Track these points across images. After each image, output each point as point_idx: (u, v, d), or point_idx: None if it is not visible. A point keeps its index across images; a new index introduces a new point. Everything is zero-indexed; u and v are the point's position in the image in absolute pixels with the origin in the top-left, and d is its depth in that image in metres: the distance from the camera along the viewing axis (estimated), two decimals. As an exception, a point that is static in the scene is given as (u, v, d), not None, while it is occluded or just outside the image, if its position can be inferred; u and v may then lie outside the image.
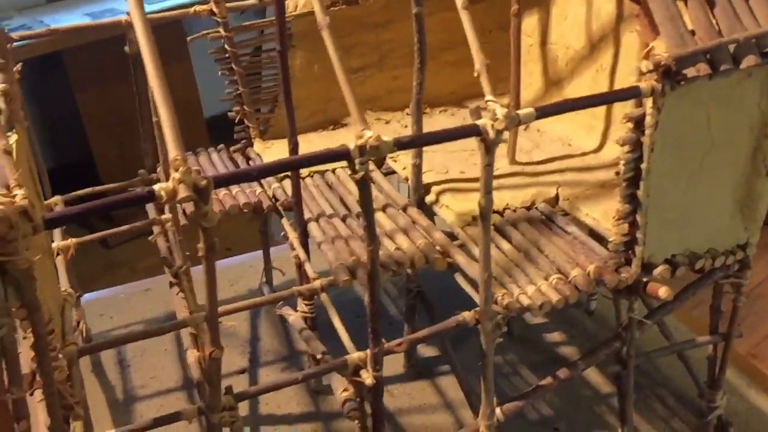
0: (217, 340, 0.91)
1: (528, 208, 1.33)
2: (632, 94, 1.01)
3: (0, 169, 0.79)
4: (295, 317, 1.40)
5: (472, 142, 1.58)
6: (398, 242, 1.26)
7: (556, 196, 1.34)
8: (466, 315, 1.08)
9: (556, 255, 1.18)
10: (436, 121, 1.72)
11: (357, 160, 0.88)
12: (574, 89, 1.53)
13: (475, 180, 1.42)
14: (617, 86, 1.41)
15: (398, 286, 1.81)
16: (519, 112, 0.95)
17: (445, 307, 1.23)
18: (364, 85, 1.72)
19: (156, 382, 1.57)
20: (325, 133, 1.69)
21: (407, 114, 1.75)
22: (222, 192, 1.45)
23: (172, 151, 0.82)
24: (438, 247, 1.24)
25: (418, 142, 0.92)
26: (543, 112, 0.96)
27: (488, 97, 0.98)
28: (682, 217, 1.14)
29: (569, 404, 1.43)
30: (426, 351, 1.62)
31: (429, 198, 1.39)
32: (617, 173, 1.10)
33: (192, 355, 1.34)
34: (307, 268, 1.28)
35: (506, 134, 0.96)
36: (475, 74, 1.02)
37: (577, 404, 1.44)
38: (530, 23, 1.62)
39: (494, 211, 1.32)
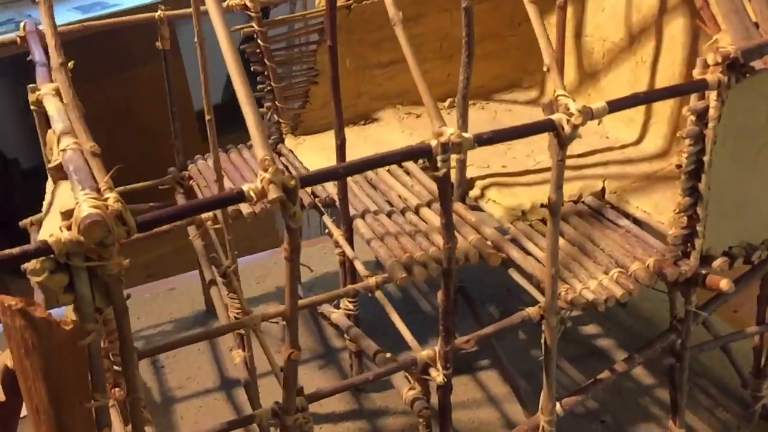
0: (296, 342, 0.90)
1: (575, 202, 1.32)
2: (700, 86, 1.01)
3: (86, 171, 0.77)
4: (338, 315, 1.39)
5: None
6: (449, 238, 1.25)
7: (603, 189, 1.33)
8: (531, 311, 1.08)
9: (612, 248, 1.18)
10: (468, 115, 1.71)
11: (439, 158, 0.87)
12: (612, 82, 1.53)
13: (519, 174, 1.43)
14: (658, 79, 1.41)
15: (429, 281, 1.81)
16: (592, 106, 0.94)
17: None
18: (395, 80, 1.71)
19: (193, 383, 1.56)
20: (356, 129, 1.68)
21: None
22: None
23: (260, 151, 0.81)
24: (490, 243, 1.24)
25: (497, 138, 0.91)
26: (615, 106, 0.96)
27: (559, 91, 0.97)
28: (738, 208, 1.15)
29: (614, 397, 1.44)
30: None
31: (473, 193, 1.38)
32: (678, 166, 1.10)
33: (238, 356, 1.33)
34: (358, 265, 1.27)
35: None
36: (545, 69, 1.01)
37: (621, 397, 1.44)
38: (531, 11, 1.62)
39: (542, 206, 1.32)
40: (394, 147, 1.55)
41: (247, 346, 1.35)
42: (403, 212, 1.35)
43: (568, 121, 0.93)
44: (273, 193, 0.78)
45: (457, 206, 1.34)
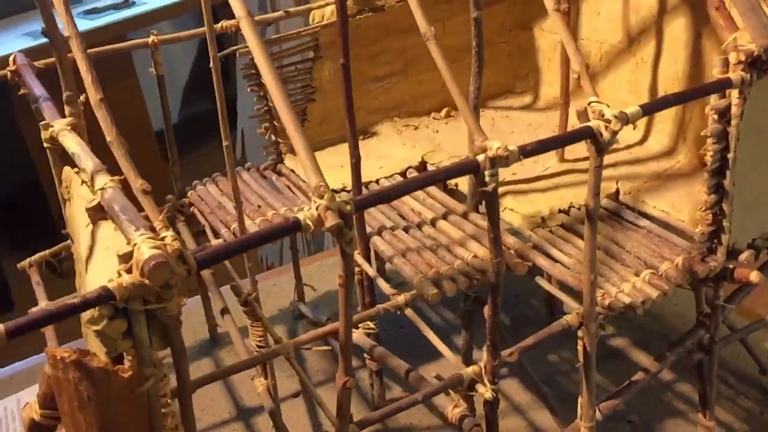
0: (349, 369, 0.88)
1: (591, 205, 1.33)
2: (725, 85, 1.02)
3: (134, 210, 0.74)
4: (358, 335, 1.37)
5: (517, 143, 1.59)
6: (472, 250, 1.24)
7: (617, 191, 1.34)
8: (569, 318, 1.07)
9: (638, 250, 1.18)
10: (463, 123, 1.70)
11: (487, 172, 0.86)
12: (611, 84, 1.54)
13: (532, 180, 1.43)
14: (661, 79, 1.43)
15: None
16: (627, 111, 0.94)
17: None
18: (391, 93, 1.70)
19: (207, 414, 1.52)
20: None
21: (434, 118, 1.73)
22: (270, 213, 1.41)
23: (314, 178, 0.79)
24: (513, 252, 1.23)
25: (539, 149, 0.90)
26: (648, 110, 0.96)
27: (592, 98, 0.97)
28: (759, 202, 1.17)
29: (638, 396, 1.44)
30: (476, 355, 1.60)
31: (487, 202, 1.37)
32: (703, 164, 1.11)
33: (261, 384, 1.29)
34: (381, 283, 1.25)
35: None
36: (575, 75, 1.01)
37: (644, 395, 1.45)
38: (557, 20, 1.63)
39: (560, 211, 1.32)
40: (397, 160, 1.56)
41: (270, 374, 1.32)
42: (419, 226, 1.34)
43: (606, 127, 0.92)
44: (331, 220, 0.76)
45: (474, 217, 1.34)
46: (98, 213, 0.81)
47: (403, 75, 1.69)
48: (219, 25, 1.48)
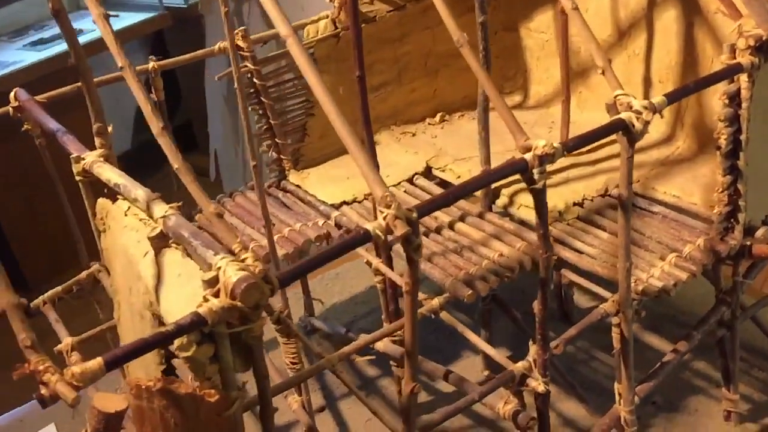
0: (416, 376, 0.89)
1: (603, 196, 1.36)
2: (736, 70, 1.07)
3: (203, 235, 0.74)
4: (385, 344, 1.37)
5: (510, 142, 1.62)
6: (496, 249, 1.27)
7: (625, 181, 1.38)
8: (607, 306, 1.10)
9: (659, 235, 1.22)
10: (461, 127, 1.73)
11: (536, 170, 0.88)
12: (603, 78, 1.58)
13: (541, 177, 1.46)
14: (654, 70, 1.48)
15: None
16: (654, 101, 0.98)
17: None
18: (386, 102, 1.71)
19: (235, 436, 1.50)
20: (357, 155, 1.67)
21: (429, 124, 1.75)
22: (286, 229, 1.41)
23: (379, 189, 0.80)
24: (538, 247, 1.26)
25: (580, 144, 0.93)
26: (672, 98, 1.00)
27: (618, 91, 1.00)
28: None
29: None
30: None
31: (500, 202, 1.40)
32: (718, 148, 1.15)
33: (296, 402, 1.30)
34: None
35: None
36: (600, 72, 1.04)
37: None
38: (544, 20, 1.67)
39: (574, 204, 1.35)
40: (402, 167, 1.57)
41: (305, 389, 1.32)
42: (438, 230, 1.36)
43: (638, 118, 0.95)
44: (401, 229, 0.78)
45: (491, 216, 1.36)
46: (161, 241, 0.80)
47: (397, 83, 1.71)
48: (217, 46, 1.49)
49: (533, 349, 1.05)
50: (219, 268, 0.70)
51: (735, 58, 1.10)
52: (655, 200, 1.31)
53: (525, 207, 1.36)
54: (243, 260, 0.71)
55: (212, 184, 3.11)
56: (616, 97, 1.00)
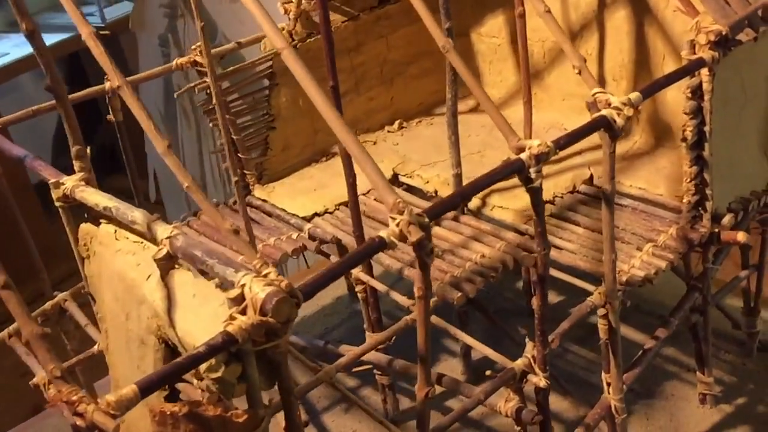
0: (429, 379, 0.89)
1: (572, 192, 1.40)
2: (699, 65, 1.12)
3: (217, 253, 0.73)
4: (373, 354, 1.37)
5: (478, 145, 1.64)
6: (477, 250, 1.28)
7: (591, 176, 1.42)
8: (594, 298, 1.13)
9: (632, 227, 1.26)
10: (421, 132, 1.75)
11: (532, 169, 0.90)
12: (557, 79, 1.63)
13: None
14: (607, 68, 1.53)
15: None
16: (631, 96, 1.01)
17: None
18: (345, 111, 1.68)
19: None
20: (321, 165, 1.66)
21: (389, 132, 1.76)
22: (260, 245, 1.39)
23: (390, 196, 0.80)
24: (517, 246, 1.28)
25: (571, 141, 0.95)
26: (646, 93, 1.04)
27: (595, 89, 1.03)
28: (730, 168, 1.27)
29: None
30: (474, 354, 1.64)
31: (473, 204, 1.41)
32: (683, 139, 1.20)
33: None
34: (397, 296, 1.27)
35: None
36: (576, 71, 1.07)
37: (637, 364, 1.53)
38: (495, 24, 1.70)
39: (546, 201, 1.38)
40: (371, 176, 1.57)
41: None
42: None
43: (618, 114, 0.99)
44: (415, 234, 0.78)
45: (466, 219, 1.37)
46: (168, 262, 0.78)
47: (355, 93, 1.71)
48: (174, 62, 1.46)
49: (530, 345, 1.07)
50: (243, 285, 0.69)
51: (695, 53, 1.15)
52: (623, 194, 1.36)
53: (498, 208, 1.38)
54: (266, 275, 0.70)
55: (153, 205, 3.04)
56: (594, 95, 1.03)
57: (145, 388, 0.62)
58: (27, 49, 2.93)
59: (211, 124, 1.52)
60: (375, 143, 1.72)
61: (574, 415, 1.40)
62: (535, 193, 0.92)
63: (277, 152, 1.63)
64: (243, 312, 0.68)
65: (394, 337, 1.23)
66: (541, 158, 0.90)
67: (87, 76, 3.57)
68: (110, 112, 1.39)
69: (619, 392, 1.18)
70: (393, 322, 1.25)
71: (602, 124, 0.99)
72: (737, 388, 1.45)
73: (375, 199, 1.51)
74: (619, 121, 0.99)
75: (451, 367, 1.60)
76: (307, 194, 1.55)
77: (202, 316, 0.73)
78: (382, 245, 0.77)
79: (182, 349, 0.77)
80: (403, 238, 0.78)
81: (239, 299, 0.68)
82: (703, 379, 1.39)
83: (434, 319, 1.21)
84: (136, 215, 0.83)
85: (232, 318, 0.68)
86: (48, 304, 1.36)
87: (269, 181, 1.62)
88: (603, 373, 1.21)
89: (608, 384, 1.20)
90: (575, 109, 1.60)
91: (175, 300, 0.77)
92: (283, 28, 1.57)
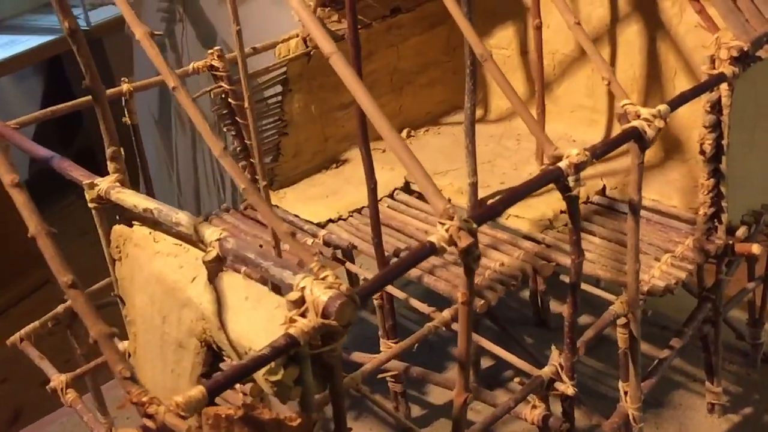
0: (468, 385, 0.90)
1: (585, 203, 1.42)
2: (720, 80, 1.14)
3: (271, 255, 0.73)
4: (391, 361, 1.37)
5: (488, 155, 1.65)
6: (495, 259, 1.29)
7: (603, 188, 1.44)
8: (616, 307, 1.14)
9: (650, 237, 1.28)
10: (429, 141, 1.76)
11: (571, 178, 0.91)
12: (567, 90, 1.65)
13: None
14: (619, 81, 1.55)
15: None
16: (660, 108, 1.03)
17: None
18: (355, 119, 1.71)
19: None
20: (331, 172, 1.67)
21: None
22: (274, 251, 1.38)
23: (440, 202, 0.80)
24: (535, 255, 1.29)
25: (607, 149, 0.96)
26: (674, 105, 1.05)
27: (624, 101, 1.05)
28: (743, 181, 1.30)
29: (639, 375, 1.54)
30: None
31: (487, 213, 1.43)
32: (702, 152, 1.22)
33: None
34: (416, 303, 1.27)
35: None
36: (605, 83, 1.08)
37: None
38: (505, 36, 1.72)
39: (561, 211, 1.40)
40: (382, 183, 1.56)
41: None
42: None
43: (649, 125, 1.00)
44: (465, 240, 0.78)
45: (483, 227, 1.38)
46: (218, 264, 0.78)
47: (365, 101, 1.71)
48: (191, 66, 1.45)
49: (556, 353, 1.08)
50: (303, 287, 0.69)
51: (714, 68, 1.17)
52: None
53: (514, 217, 1.40)
54: (324, 278, 0.70)
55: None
56: (623, 106, 1.05)
57: (214, 390, 0.62)
58: (6, 53, 2.89)
59: (225, 129, 1.52)
60: (384, 151, 1.72)
61: (586, 423, 1.41)
62: (573, 202, 0.93)
63: (289, 158, 1.63)
64: (303, 315, 0.68)
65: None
66: (580, 167, 0.91)
67: (68, 79, 3.53)
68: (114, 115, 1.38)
69: (638, 401, 1.19)
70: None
71: (633, 135, 1.00)
72: (743, 398, 1.48)
73: (388, 207, 1.51)
74: (650, 132, 1.01)
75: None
76: (319, 200, 1.55)
77: (257, 319, 0.73)
78: (432, 251, 0.78)
79: (232, 352, 0.76)
80: (451, 243, 0.78)
81: (299, 302, 0.68)
82: (712, 389, 1.41)
83: (456, 326, 1.22)
84: (181, 217, 0.83)
85: (292, 320, 0.68)
86: (60, 308, 1.34)
87: (280, 186, 1.61)
88: (620, 382, 1.22)
89: (625, 393, 1.21)
90: (584, 121, 1.63)
91: (226, 303, 0.77)
92: (298, 35, 1.58)
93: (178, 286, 0.84)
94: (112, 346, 0.65)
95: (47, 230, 0.68)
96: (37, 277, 2.87)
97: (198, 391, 0.61)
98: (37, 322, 1.32)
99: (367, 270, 1.43)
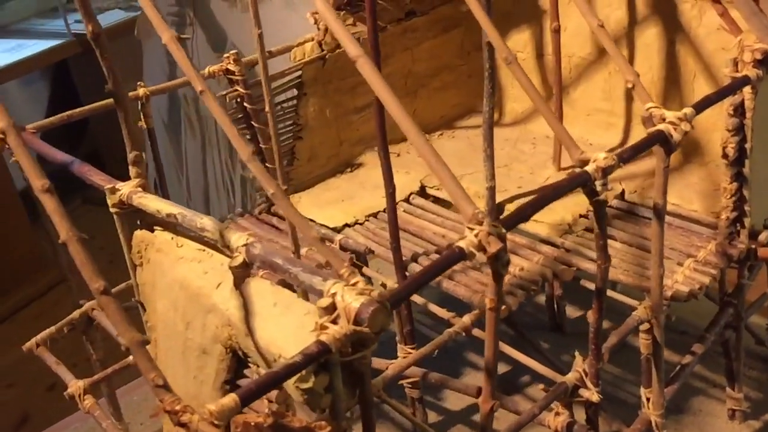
0: (495, 392, 0.89)
1: (604, 207, 1.40)
2: (744, 82, 1.13)
3: (298, 261, 0.72)
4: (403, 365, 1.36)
5: (504, 159, 1.64)
6: (515, 263, 1.28)
7: (622, 192, 1.43)
8: (640, 312, 1.13)
9: (672, 242, 1.27)
10: (443, 145, 1.75)
11: (598, 182, 0.90)
12: (583, 93, 1.64)
13: (541, 191, 1.49)
14: (637, 83, 1.54)
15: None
16: (685, 111, 1.02)
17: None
18: (370, 123, 1.69)
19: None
20: (346, 176, 1.66)
21: (411, 144, 1.76)
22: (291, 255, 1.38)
23: (469, 207, 0.80)
24: (555, 259, 1.28)
25: (633, 154, 0.95)
26: (699, 108, 1.04)
27: (649, 104, 1.04)
28: (766, 184, 1.29)
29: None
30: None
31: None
32: (725, 156, 1.21)
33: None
34: (435, 308, 1.26)
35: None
36: (629, 85, 1.07)
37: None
38: (521, 39, 1.71)
39: (581, 216, 1.38)
40: (399, 188, 1.57)
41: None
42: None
43: (675, 129, 0.99)
44: (495, 245, 0.77)
45: (500, 232, 1.37)
46: (244, 270, 0.77)
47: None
48: (207, 70, 1.45)
49: (579, 359, 1.06)
50: (334, 293, 0.68)
51: (737, 71, 1.16)
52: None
53: (533, 221, 1.38)
54: (355, 284, 0.69)
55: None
56: (648, 109, 1.04)
57: (246, 398, 0.61)
58: (13, 57, 2.89)
59: (239, 132, 1.50)
60: (398, 155, 1.71)
61: (607, 430, 1.40)
62: (600, 206, 0.92)
63: (303, 162, 1.62)
64: (334, 321, 0.67)
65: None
66: (608, 171, 0.90)
67: (74, 83, 3.52)
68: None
69: (660, 408, 1.18)
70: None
71: (659, 138, 0.99)
72: (764, 404, 1.46)
73: (405, 211, 1.50)
74: (676, 135, 0.99)
75: (476, 380, 1.59)
76: (334, 205, 1.54)
77: (286, 326, 0.72)
78: (461, 256, 0.77)
79: (259, 359, 0.75)
80: (480, 248, 0.77)
81: (330, 308, 0.67)
82: (732, 395, 1.40)
83: (476, 331, 1.21)
84: (206, 222, 0.82)
85: (323, 327, 0.67)
86: (76, 313, 1.33)
87: (295, 191, 1.61)
88: (642, 389, 1.21)
89: (647, 399, 1.20)
90: (600, 124, 1.62)
91: (253, 309, 0.75)
92: (313, 38, 1.57)
93: (203, 292, 0.83)
94: (144, 353, 0.64)
95: (78, 236, 0.67)
96: (44, 281, 2.87)
97: (231, 399, 0.60)
98: (53, 328, 1.32)
99: (382, 275, 1.42)
